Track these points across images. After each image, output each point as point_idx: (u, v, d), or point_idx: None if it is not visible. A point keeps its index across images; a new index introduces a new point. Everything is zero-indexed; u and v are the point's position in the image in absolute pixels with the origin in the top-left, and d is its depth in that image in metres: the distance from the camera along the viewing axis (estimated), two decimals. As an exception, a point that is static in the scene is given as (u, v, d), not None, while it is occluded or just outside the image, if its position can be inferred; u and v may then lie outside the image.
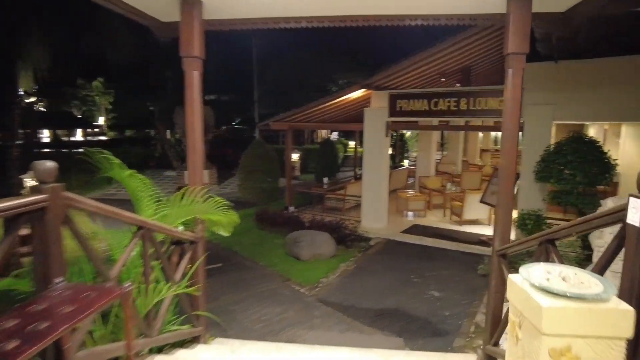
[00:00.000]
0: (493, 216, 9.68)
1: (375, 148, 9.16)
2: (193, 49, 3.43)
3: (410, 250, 8.19)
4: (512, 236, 8.57)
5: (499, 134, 19.42)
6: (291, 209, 11.04)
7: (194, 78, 3.47)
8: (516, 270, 1.89)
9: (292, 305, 5.83)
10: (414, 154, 24.86)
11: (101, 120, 31.81)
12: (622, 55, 6.59)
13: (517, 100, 3.27)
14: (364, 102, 9.75)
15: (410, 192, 11.25)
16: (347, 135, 37.10)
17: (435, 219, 10.37)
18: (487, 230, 9.21)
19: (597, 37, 6.93)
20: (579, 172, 5.83)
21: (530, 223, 6.53)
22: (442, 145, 22.80)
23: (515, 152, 3.41)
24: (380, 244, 8.55)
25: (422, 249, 8.24)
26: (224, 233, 3.95)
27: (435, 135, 13.17)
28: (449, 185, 11.05)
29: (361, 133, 11.77)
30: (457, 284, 6.47)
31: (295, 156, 19.96)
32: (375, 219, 9.38)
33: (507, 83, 3.27)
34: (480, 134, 21.66)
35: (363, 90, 9.08)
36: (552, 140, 7.37)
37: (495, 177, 8.41)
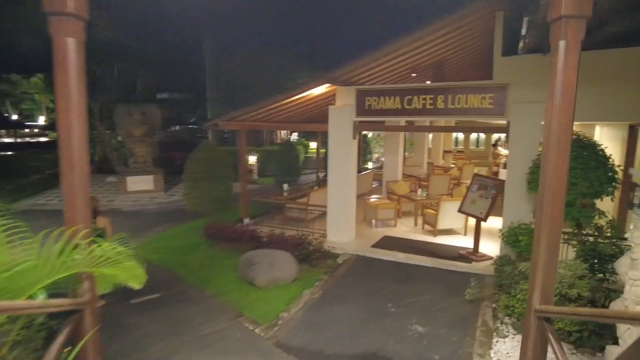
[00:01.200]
0: (470, 226, 9.04)
1: (341, 152, 8.05)
2: (65, 1, 2.11)
3: (383, 268, 7.14)
4: (496, 251, 7.83)
5: (460, 134, 19.04)
6: (246, 221, 9.72)
7: (67, 49, 2.15)
8: None
9: (244, 355, 4.57)
10: (376, 155, 24.16)
11: (42, 120, 28.76)
12: (620, 47, 5.88)
13: (570, 89, 2.24)
14: (329, 99, 8.62)
15: (379, 199, 10.26)
16: (307, 135, 36.03)
17: (406, 229, 9.43)
18: (464, 242, 8.37)
19: (593, 25, 6.20)
20: (582, 180, 5.00)
21: (524, 239, 5.66)
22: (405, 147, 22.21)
23: (567, 164, 2.37)
24: (349, 262, 7.45)
25: (397, 266, 7.22)
26: (134, 285, 2.65)
27: (403, 135, 12.31)
28: (419, 191, 10.17)
29: (324, 134, 10.69)
30: (442, 313, 5.48)
31: (252, 159, 18.56)
32: (342, 231, 8.27)
33: (557, 62, 2.23)
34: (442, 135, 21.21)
35: (327, 85, 7.94)
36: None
37: (476, 184, 7.56)
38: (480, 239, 7.47)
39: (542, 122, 6.42)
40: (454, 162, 18.83)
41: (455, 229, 9.15)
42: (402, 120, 9.12)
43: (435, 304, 5.74)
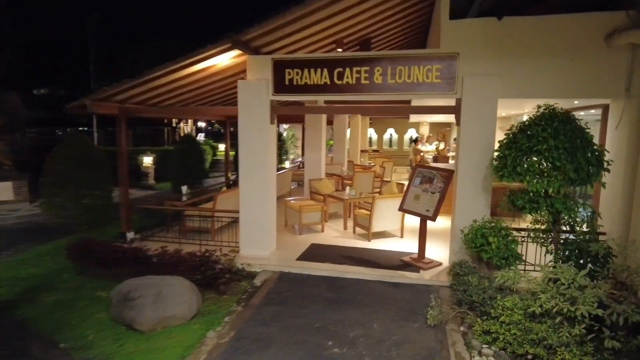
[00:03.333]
0: (408, 227, 7.99)
1: (256, 140, 6.27)
2: None
3: (315, 288, 5.52)
4: (442, 255, 6.71)
5: (374, 134, 18.45)
6: (130, 235, 7.40)
7: None
8: None
9: None
10: (292, 157, 22.65)
11: None
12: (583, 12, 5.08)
13: None
14: (237, 74, 6.80)
15: (302, 201, 8.68)
16: (216, 137, 33.27)
17: (335, 235, 7.97)
18: (403, 245, 7.16)
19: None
20: (568, 163, 3.94)
21: (496, 241, 4.48)
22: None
23: None
24: (270, 282, 5.69)
25: (331, 283, 5.66)
26: None
27: (325, 129, 10.91)
28: (348, 189, 8.79)
29: (233, 134, 8.81)
30: (401, 349, 4.01)
31: (148, 160, 15.76)
32: (259, 242, 6.48)
33: None
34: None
35: (235, 54, 6.13)
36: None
37: (419, 176, 6.35)
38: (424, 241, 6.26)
39: (500, 99, 5.44)
40: (370, 161, 18.14)
41: (390, 231, 7.93)
42: (328, 99, 7.57)
43: (389, 335, 4.27)
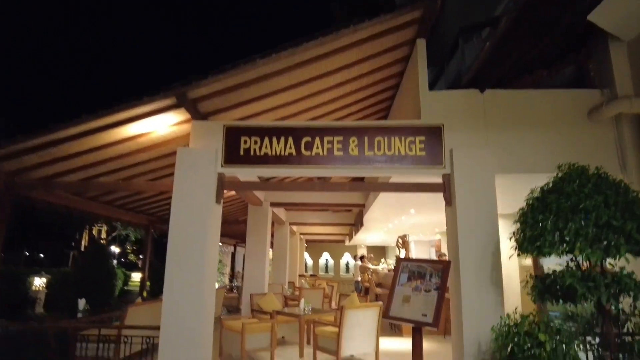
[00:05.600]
0: (384, 350, 6.19)
1: (194, 223, 4.69)
2: None
3: None
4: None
5: (309, 257, 17.45)
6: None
7: None
8: None
9: None
10: (217, 284, 19.96)
11: None
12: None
13: None
14: (176, 142, 5.52)
15: (244, 320, 6.72)
16: (130, 267, 29.31)
17: (290, 364, 5.95)
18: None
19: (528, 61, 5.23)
20: (630, 221, 3.01)
21: (549, 339, 3.11)
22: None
23: None
24: None
25: None
26: None
27: (269, 239, 9.45)
28: (302, 303, 7.04)
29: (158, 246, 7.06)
30: None
31: (39, 282, 12.56)
32: (187, 375, 4.35)
33: None
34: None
35: (175, 119, 4.98)
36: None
37: (405, 272, 5.03)
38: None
39: (497, 174, 4.68)
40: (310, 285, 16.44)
41: (363, 357, 6.13)
42: (292, 174, 6.25)
43: None
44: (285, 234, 13.21)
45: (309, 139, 4.86)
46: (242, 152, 4.86)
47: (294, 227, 15.96)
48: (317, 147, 4.84)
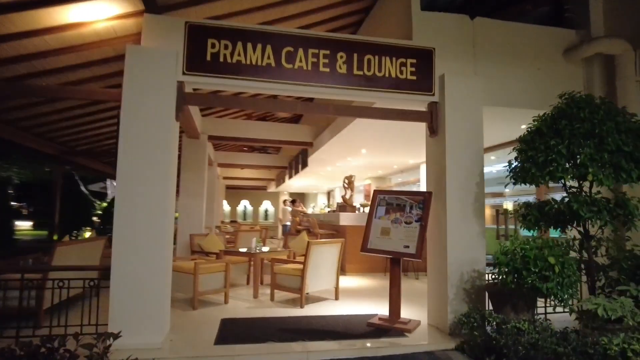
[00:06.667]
0: (344, 287, 6.01)
1: (148, 143, 3.79)
2: None
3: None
4: (408, 314, 4.88)
5: (227, 205, 16.97)
6: None
7: None
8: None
9: None
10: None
11: None
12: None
13: None
14: (124, 39, 4.37)
15: (196, 260, 6.05)
16: (13, 215, 25.22)
17: (248, 305, 5.52)
18: (347, 309, 5.28)
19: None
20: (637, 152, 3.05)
21: (557, 261, 3.12)
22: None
23: None
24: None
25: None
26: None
27: (206, 170, 8.50)
28: (254, 241, 6.52)
29: None
30: None
31: None
32: (146, 322, 3.67)
33: None
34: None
35: (119, 10, 3.85)
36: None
37: (382, 205, 4.79)
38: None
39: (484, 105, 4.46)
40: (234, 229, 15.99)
41: (325, 292, 5.96)
42: (269, 89, 5.24)
43: None
44: (215, 175, 12.28)
45: (290, 49, 4.15)
46: (209, 58, 3.98)
47: (219, 170, 15.00)
48: (301, 60, 4.17)
